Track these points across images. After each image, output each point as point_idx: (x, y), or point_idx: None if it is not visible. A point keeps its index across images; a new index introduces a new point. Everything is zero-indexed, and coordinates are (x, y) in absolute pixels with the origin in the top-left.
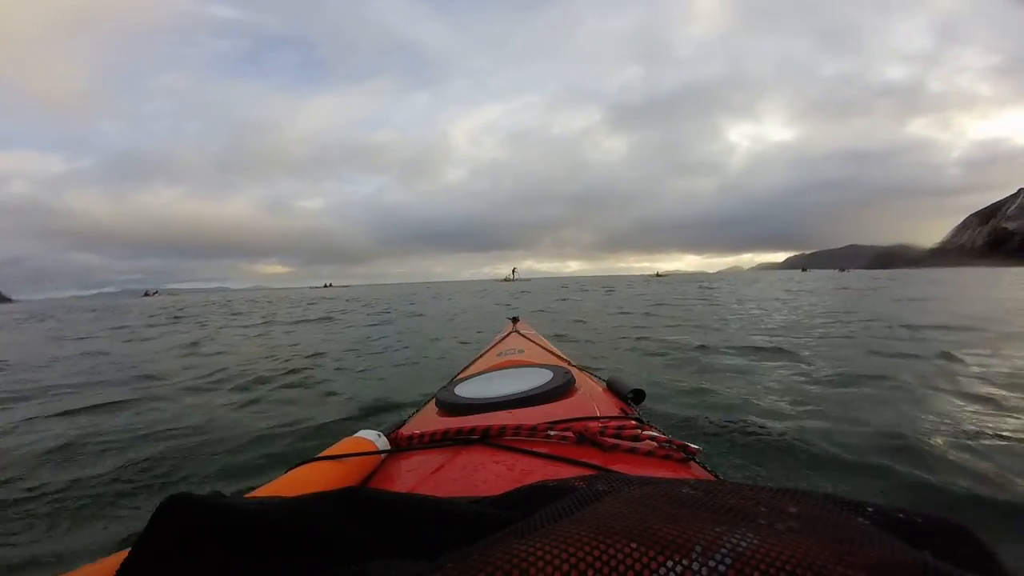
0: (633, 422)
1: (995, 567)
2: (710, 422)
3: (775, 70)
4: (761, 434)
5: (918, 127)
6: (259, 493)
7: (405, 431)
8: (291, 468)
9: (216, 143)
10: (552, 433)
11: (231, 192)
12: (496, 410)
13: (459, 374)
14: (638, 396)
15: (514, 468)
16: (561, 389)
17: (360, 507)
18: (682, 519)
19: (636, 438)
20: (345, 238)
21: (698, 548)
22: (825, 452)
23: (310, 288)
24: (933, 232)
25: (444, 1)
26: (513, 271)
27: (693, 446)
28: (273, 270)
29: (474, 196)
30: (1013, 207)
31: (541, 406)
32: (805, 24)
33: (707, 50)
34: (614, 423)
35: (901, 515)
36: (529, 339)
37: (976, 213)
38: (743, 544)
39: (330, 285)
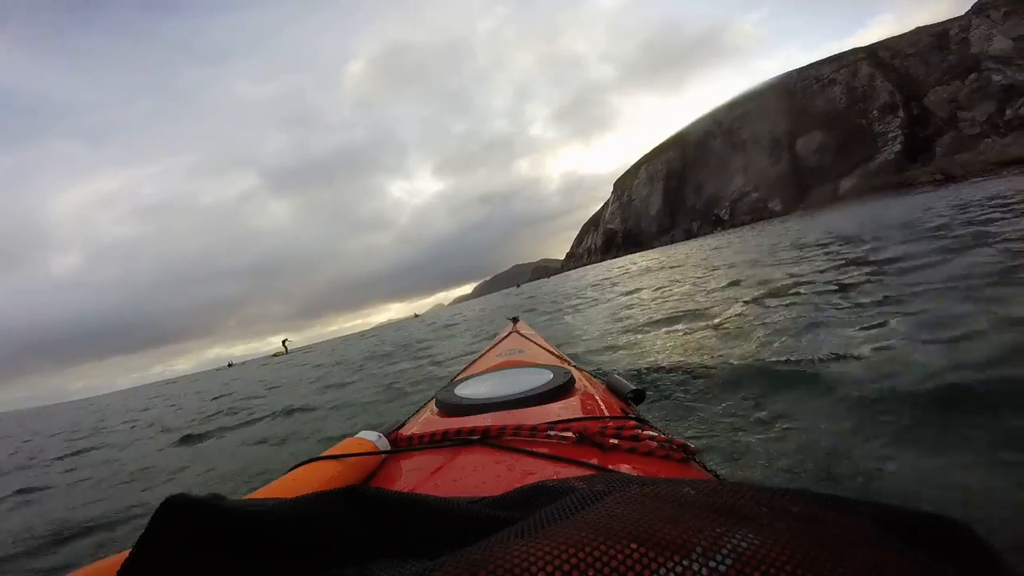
0: (633, 422)
1: (997, 567)
2: None
3: (416, 131)
4: None
5: (522, 169)
6: (260, 494)
7: (405, 431)
8: (292, 468)
9: None
10: (552, 433)
11: None
12: (496, 410)
13: (459, 375)
14: (638, 396)
15: (514, 468)
16: (561, 389)
17: (360, 507)
18: (683, 520)
19: (636, 438)
20: None
21: (699, 549)
22: None
23: None
24: (563, 245)
25: (41, 39)
26: (284, 343)
27: (693, 446)
28: None
29: (103, 287)
30: (607, 213)
31: (541, 406)
32: (433, 91)
33: (354, 115)
34: (614, 423)
35: (902, 515)
36: (529, 339)
37: (588, 223)
38: (744, 544)
39: None
